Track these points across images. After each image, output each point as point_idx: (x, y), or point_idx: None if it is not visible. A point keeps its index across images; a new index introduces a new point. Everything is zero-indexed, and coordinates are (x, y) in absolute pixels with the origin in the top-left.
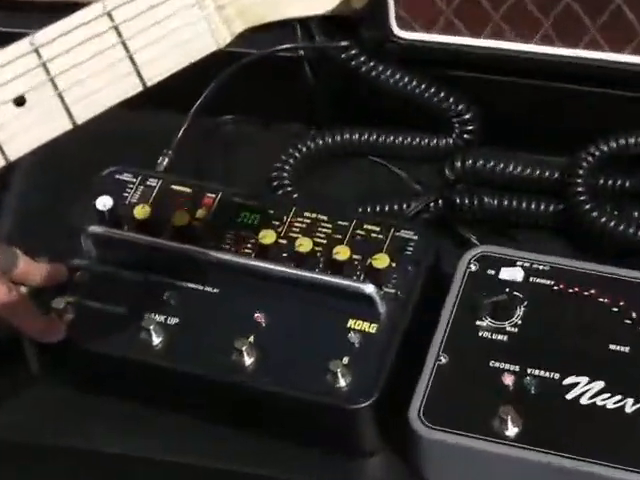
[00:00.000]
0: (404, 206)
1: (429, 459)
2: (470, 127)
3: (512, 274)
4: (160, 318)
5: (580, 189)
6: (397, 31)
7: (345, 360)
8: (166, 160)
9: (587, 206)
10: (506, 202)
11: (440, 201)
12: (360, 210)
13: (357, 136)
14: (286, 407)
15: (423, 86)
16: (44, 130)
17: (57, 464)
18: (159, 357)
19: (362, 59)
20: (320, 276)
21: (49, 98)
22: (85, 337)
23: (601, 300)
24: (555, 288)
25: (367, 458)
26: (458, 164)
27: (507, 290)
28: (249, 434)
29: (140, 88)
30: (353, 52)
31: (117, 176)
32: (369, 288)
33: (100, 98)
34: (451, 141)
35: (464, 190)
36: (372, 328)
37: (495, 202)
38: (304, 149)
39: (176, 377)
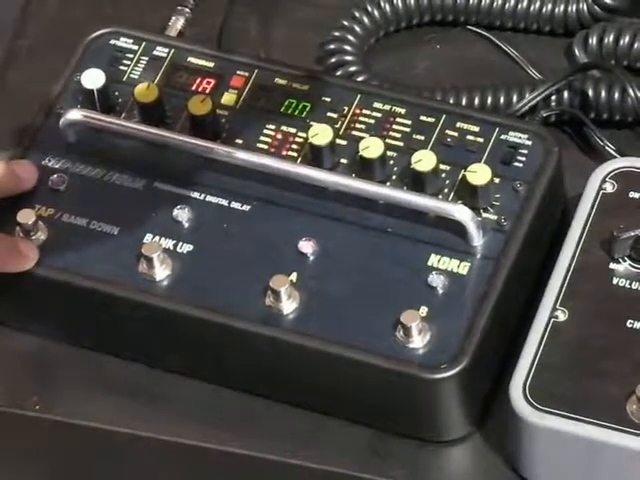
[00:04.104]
0: (514, 98)
1: (532, 451)
2: None
3: None
4: (167, 244)
5: None
6: None
7: (423, 311)
8: (181, 21)
9: None
10: None
11: (566, 92)
12: (452, 101)
13: None
14: (339, 374)
15: None
16: None
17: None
18: (163, 298)
19: None
20: (392, 192)
21: None
22: (61, 266)
23: None
24: None
25: (449, 447)
26: (593, 41)
27: None
28: (285, 409)
29: None
30: None
31: (111, 41)
32: (461, 212)
33: None
34: (584, 7)
35: (601, 78)
36: (463, 268)
37: None
38: (375, 12)
39: (187, 327)
